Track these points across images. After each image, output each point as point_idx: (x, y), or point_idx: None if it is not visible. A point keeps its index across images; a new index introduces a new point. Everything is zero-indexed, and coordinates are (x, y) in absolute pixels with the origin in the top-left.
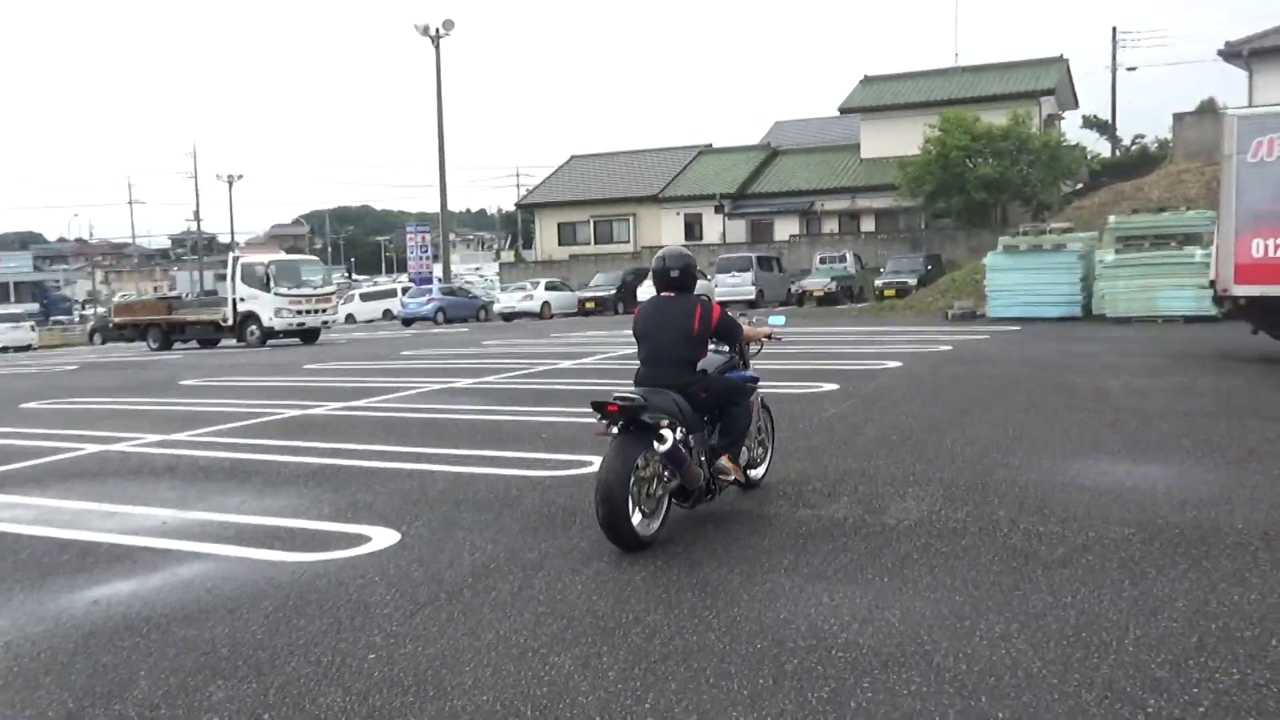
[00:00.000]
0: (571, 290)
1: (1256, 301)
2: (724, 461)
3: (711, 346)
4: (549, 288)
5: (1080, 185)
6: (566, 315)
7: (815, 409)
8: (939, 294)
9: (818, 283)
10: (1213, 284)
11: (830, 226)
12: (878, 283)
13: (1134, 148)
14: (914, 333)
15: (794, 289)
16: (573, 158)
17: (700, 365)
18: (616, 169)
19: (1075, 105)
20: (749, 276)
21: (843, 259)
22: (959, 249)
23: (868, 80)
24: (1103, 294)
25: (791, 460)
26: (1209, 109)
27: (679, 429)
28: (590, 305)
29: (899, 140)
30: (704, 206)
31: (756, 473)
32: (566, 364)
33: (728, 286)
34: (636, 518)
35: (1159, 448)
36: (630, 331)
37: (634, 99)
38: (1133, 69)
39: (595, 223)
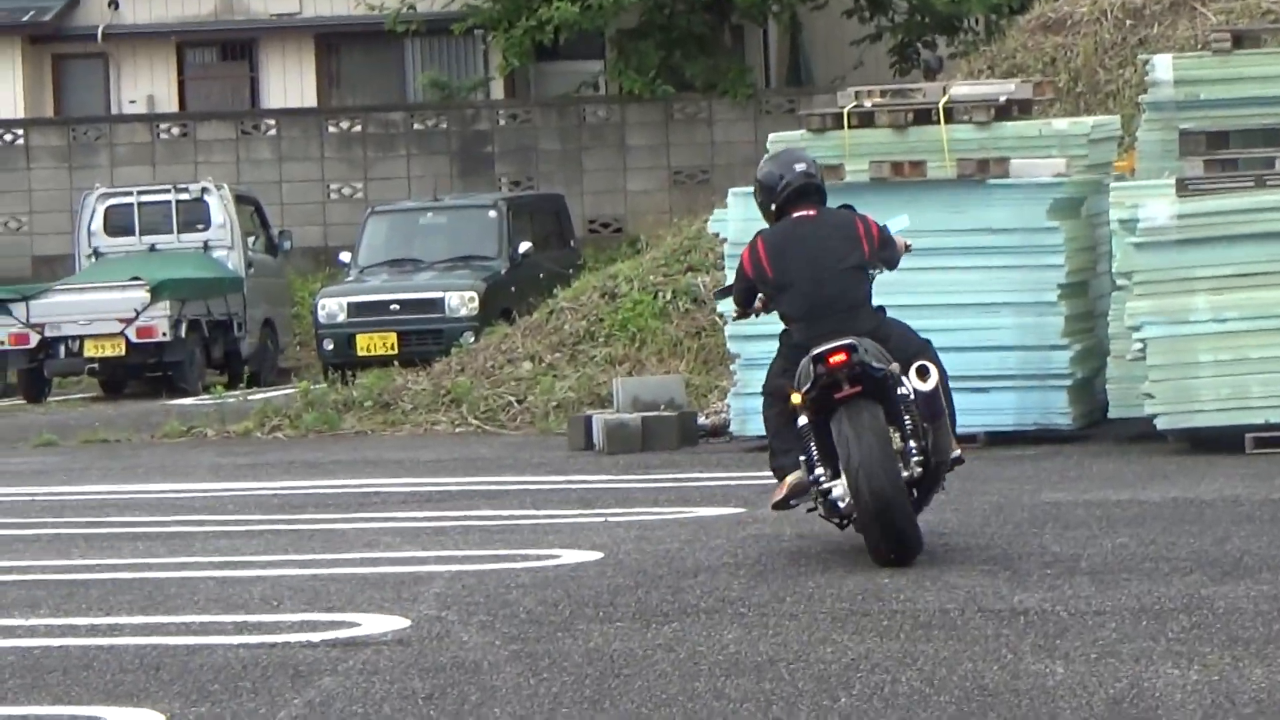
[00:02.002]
0: None
1: None
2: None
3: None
4: None
5: None
6: None
7: None
8: (562, 347)
9: (100, 312)
10: None
11: (140, 83)
12: (326, 308)
13: None
14: (425, 499)
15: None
16: None
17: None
18: None
19: None
20: None
21: (197, 215)
22: (640, 174)
23: None
24: (1144, 340)
25: None
26: None
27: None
28: None
29: None
30: None
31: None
32: None
33: None
34: None
35: None
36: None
37: None
38: None
39: None
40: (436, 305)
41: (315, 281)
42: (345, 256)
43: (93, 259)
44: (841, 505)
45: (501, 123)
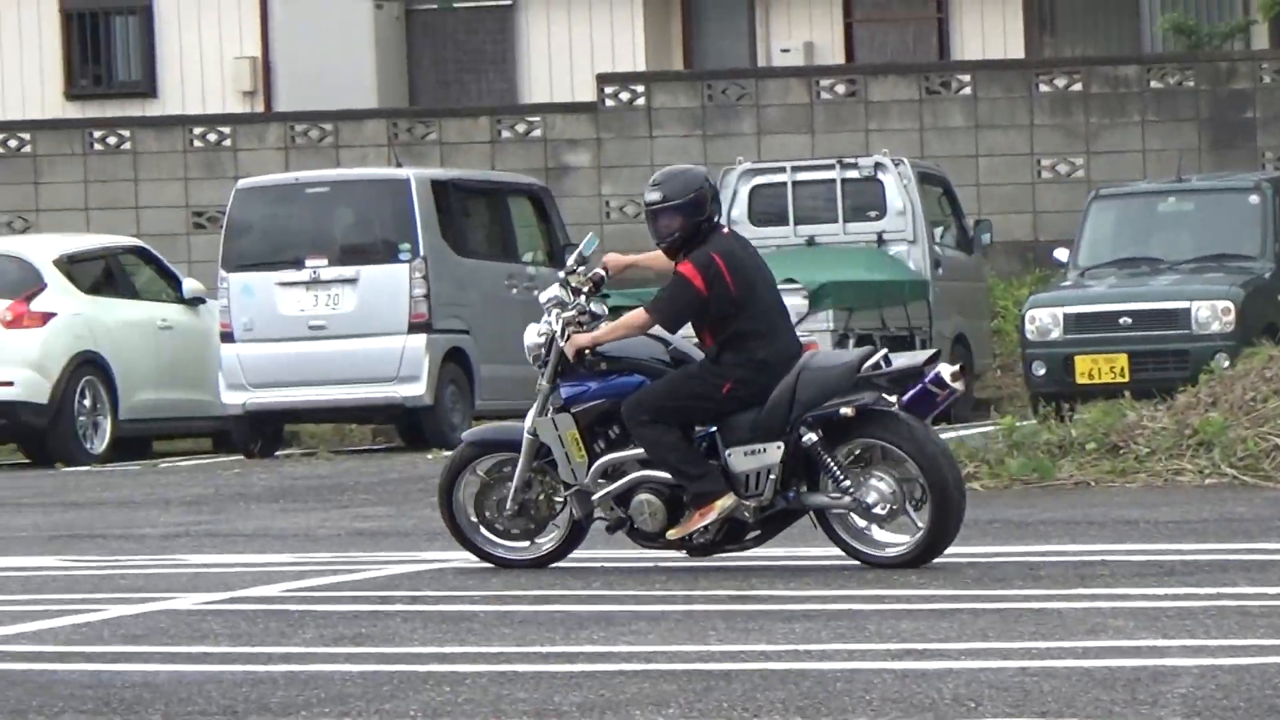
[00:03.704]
0: None
1: None
2: None
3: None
4: None
5: None
6: None
7: None
8: None
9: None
10: None
11: (796, 27)
12: (1037, 320)
13: None
14: None
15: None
16: None
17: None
18: None
19: None
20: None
21: (869, 199)
22: None
23: None
24: None
25: None
26: None
27: None
28: None
29: None
30: None
31: None
32: None
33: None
34: None
35: None
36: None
37: None
38: None
39: None
40: (1179, 318)
41: (1022, 286)
42: (1062, 254)
43: None
44: (879, 511)
45: (1266, 80)
